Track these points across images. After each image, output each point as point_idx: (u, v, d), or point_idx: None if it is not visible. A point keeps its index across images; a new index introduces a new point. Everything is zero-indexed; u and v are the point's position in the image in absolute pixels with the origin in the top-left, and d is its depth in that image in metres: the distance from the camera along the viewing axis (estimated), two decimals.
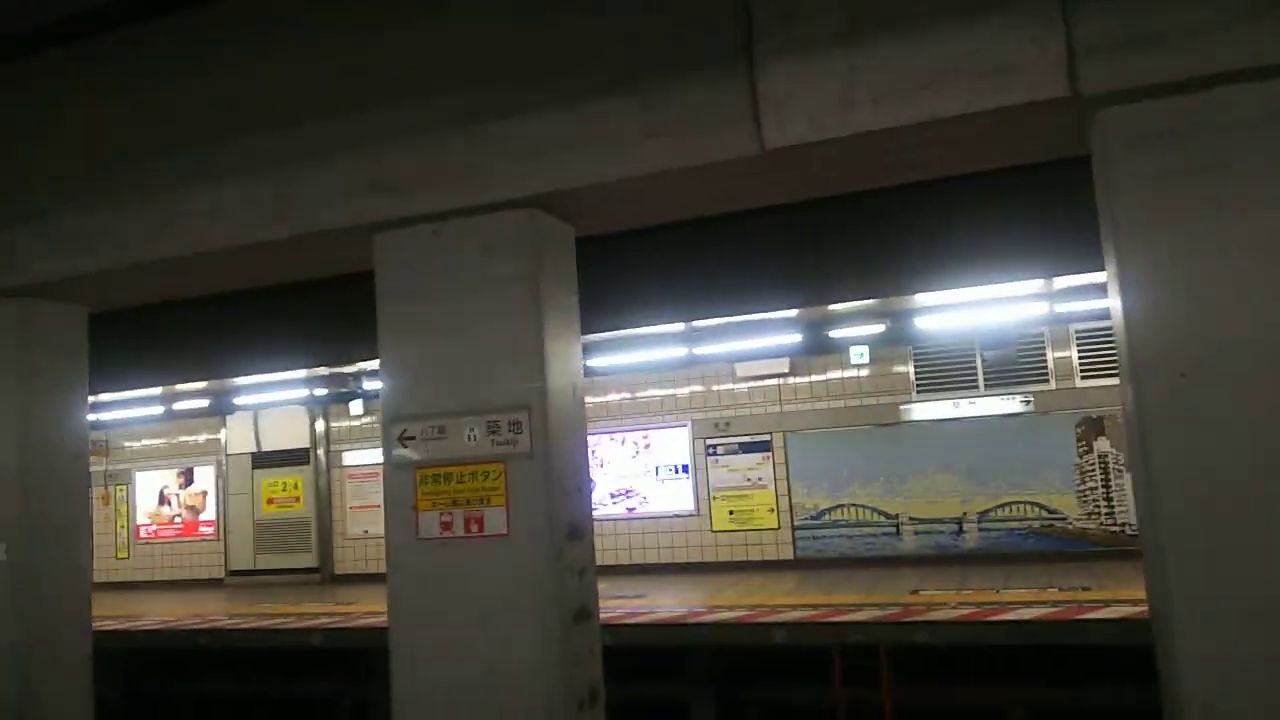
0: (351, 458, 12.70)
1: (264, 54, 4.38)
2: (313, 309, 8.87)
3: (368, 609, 9.45)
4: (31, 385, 5.21)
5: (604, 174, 3.93)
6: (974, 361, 9.93)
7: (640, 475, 11.08)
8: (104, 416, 12.77)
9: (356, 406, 12.40)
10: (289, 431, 13.26)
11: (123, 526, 14.36)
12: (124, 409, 12.53)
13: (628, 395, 11.35)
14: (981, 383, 9.91)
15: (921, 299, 9.01)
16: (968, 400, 9.81)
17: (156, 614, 10.55)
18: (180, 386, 11.89)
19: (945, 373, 9.97)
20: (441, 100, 4.10)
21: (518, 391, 3.99)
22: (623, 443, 11.31)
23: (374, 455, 12.48)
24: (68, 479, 5.35)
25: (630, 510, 11.11)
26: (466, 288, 4.10)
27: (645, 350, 10.25)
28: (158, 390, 11.86)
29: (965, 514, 9.64)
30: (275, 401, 12.65)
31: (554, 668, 3.86)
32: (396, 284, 4.25)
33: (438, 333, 4.14)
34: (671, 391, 11.05)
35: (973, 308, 9.06)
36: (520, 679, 3.87)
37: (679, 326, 9.44)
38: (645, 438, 11.17)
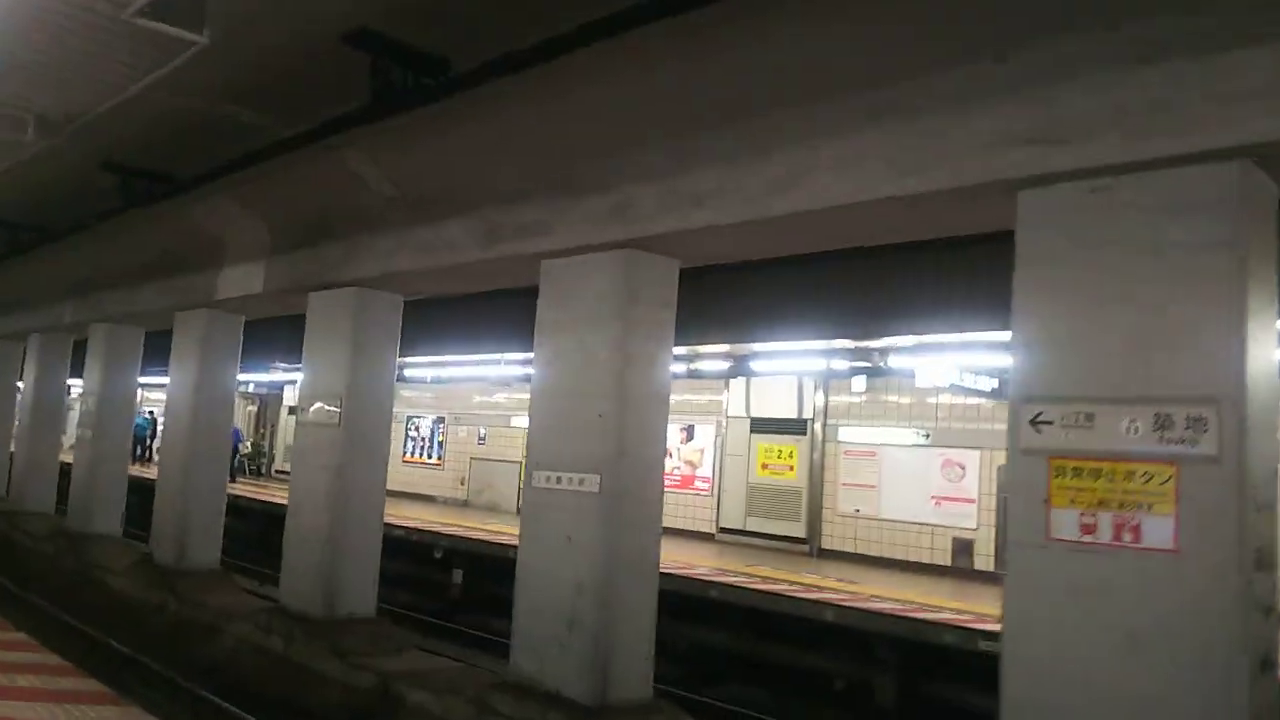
0: (848, 434, 12.54)
1: None
2: (841, 279, 8.75)
3: (871, 591, 9.22)
4: (628, 334, 5.59)
5: None
6: None
7: None
8: None
9: (859, 383, 12.19)
10: (781, 401, 13.50)
11: None
12: None
13: None
14: None
15: None
16: None
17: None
18: (698, 347, 12.59)
19: None
20: (1126, 31, 3.47)
21: (1203, 379, 3.29)
22: None
23: (872, 433, 12.23)
24: (652, 419, 5.68)
25: None
26: (1138, 252, 3.48)
27: None
28: (681, 349, 12.65)
29: None
30: (779, 371, 12.95)
31: None
32: (1043, 246, 3.75)
33: (1093, 303, 3.58)
34: None
35: None
36: None
37: None
38: None
